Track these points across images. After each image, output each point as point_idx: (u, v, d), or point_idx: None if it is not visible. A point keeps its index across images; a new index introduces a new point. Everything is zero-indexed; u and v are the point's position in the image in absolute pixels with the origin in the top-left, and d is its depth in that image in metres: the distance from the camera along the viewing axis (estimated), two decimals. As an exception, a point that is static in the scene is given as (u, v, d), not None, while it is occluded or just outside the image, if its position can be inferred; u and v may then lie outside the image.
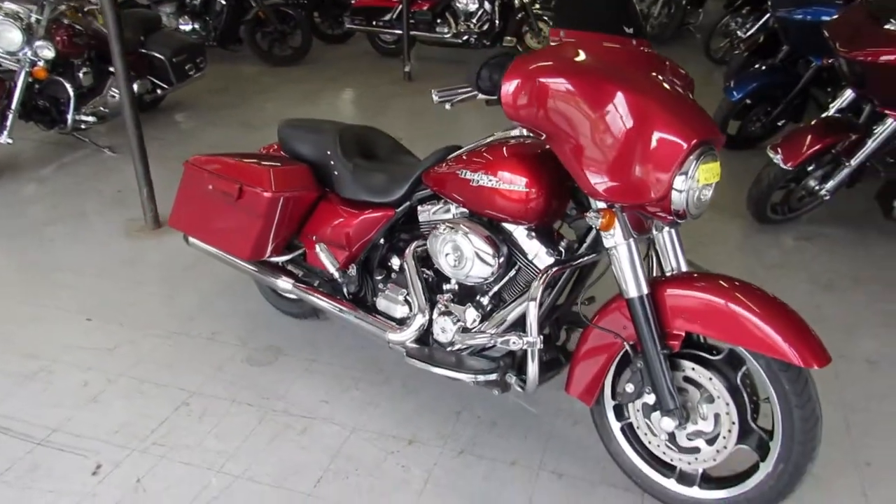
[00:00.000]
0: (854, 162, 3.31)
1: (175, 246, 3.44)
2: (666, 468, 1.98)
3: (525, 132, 2.00)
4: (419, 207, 2.26)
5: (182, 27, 7.08)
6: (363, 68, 7.29)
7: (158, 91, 5.33)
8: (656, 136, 1.64)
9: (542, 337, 1.86)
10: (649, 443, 1.95)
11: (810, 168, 3.43)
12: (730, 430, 1.78)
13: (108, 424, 2.29)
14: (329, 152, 2.42)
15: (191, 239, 2.81)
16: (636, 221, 1.85)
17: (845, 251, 3.42)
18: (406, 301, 2.32)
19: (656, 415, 1.89)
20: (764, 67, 4.54)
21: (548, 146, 1.83)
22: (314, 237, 2.48)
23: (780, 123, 4.62)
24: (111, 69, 4.89)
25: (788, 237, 3.58)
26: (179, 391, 2.46)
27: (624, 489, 2.05)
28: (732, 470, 1.89)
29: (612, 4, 1.87)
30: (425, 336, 2.24)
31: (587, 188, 1.72)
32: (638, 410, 1.94)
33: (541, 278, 1.87)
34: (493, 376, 2.03)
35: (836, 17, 3.36)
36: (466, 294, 2.19)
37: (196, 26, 7.19)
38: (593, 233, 1.96)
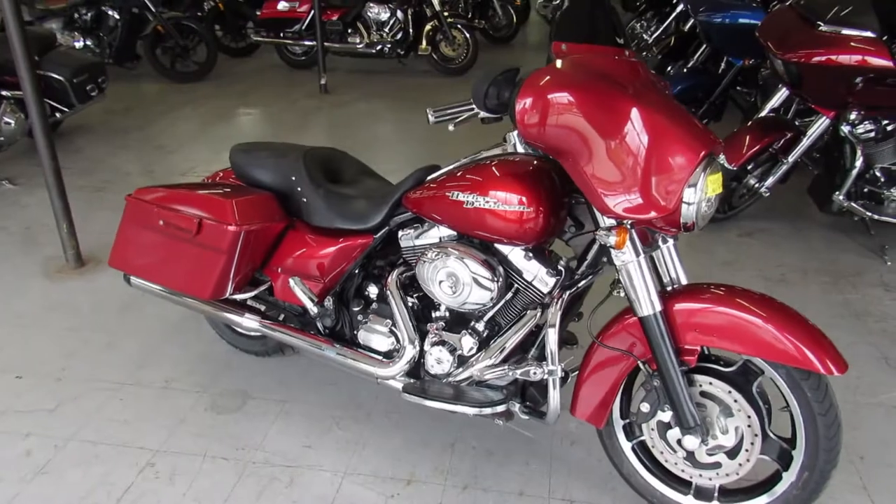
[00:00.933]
0: (791, 159, 3.45)
1: (106, 285, 3.14)
2: (682, 484, 1.94)
3: (513, 149, 1.92)
4: (400, 232, 2.13)
5: (73, 44, 6.57)
6: (275, 82, 7.02)
7: (57, 115, 4.89)
8: (668, 149, 1.59)
9: (562, 365, 1.78)
10: (666, 461, 1.91)
11: (749, 167, 3.55)
12: (752, 443, 1.76)
13: (63, 499, 2.02)
14: (294, 178, 2.24)
15: (134, 279, 2.55)
16: (642, 236, 1.81)
17: (789, 245, 3.55)
18: (391, 332, 2.18)
19: (673, 432, 1.85)
20: (686, 70, 4.69)
21: (535, 163, 1.77)
22: (281, 270, 2.30)
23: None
24: (3, 93, 4.46)
25: (732, 234, 3.69)
26: (141, 451, 2.21)
27: (640, 509, 2.00)
28: (746, 481, 1.87)
29: (605, 16, 1.82)
30: (415, 368, 2.12)
31: (601, 205, 1.65)
32: (652, 429, 1.89)
33: (557, 303, 1.79)
34: (501, 408, 1.93)
35: (766, 19, 3.49)
36: (458, 321, 2.08)
37: (88, 43, 6.70)
38: (593, 250, 1.90)
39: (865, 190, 3.37)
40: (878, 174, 3.36)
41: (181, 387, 2.51)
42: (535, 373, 1.82)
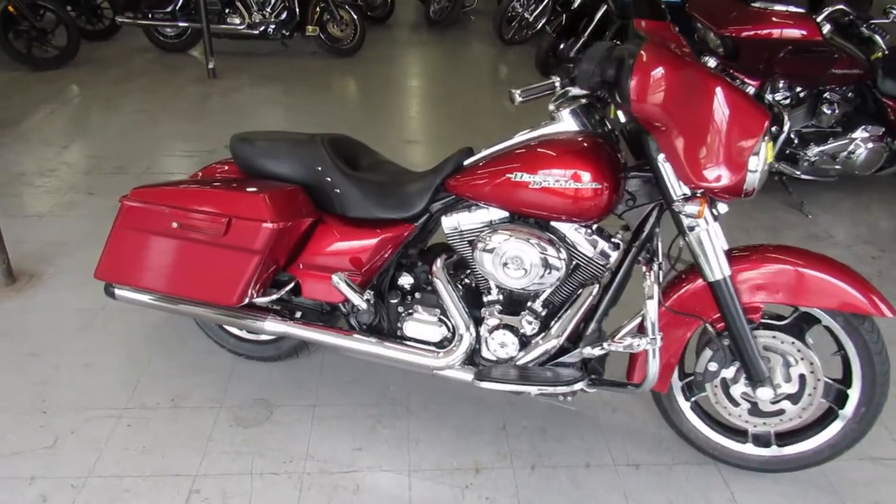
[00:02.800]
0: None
1: (50, 301, 2.80)
2: (739, 434, 2.07)
3: (555, 129, 1.93)
4: (443, 218, 2.07)
5: None
6: (151, 68, 6.45)
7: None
8: (741, 122, 1.68)
9: (660, 334, 1.83)
10: (729, 415, 2.03)
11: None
12: (815, 387, 1.92)
13: (110, 543, 1.80)
14: (321, 168, 2.11)
15: (119, 291, 2.29)
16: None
17: (723, 207, 3.85)
18: (441, 321, 2.12)
19: (736, 387, 1.97)
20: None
21: (594, 140, 1.83)
22: (310, 267, 2.16)
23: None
24: None
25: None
26: (178, 478, 2.00)
27: (698, 464, 2.11)
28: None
29: None
30: (470, 355, 2.09)
31: (685, 176, 1.71)
32: (716, 386, 2.00)
33: (651, 275, 1.83)
34: (581, 384, 1.96)
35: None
36: (513, 304, 2.07)
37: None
38: (650, 221, 1.96)
39: (787, 152, 3.73)
40: (792, 136, 3.72)
41: (192, 404, 2.29)
42: (637, 345, 1.85)
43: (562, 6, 6.24)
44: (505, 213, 1.99)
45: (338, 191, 2.10)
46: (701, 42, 3.71)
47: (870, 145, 3.62)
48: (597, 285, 1.99)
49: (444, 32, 8.36)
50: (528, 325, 2.02)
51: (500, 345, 2.03)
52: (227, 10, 6.69)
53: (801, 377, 1.93)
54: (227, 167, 2.29)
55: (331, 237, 2.13)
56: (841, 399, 1.95)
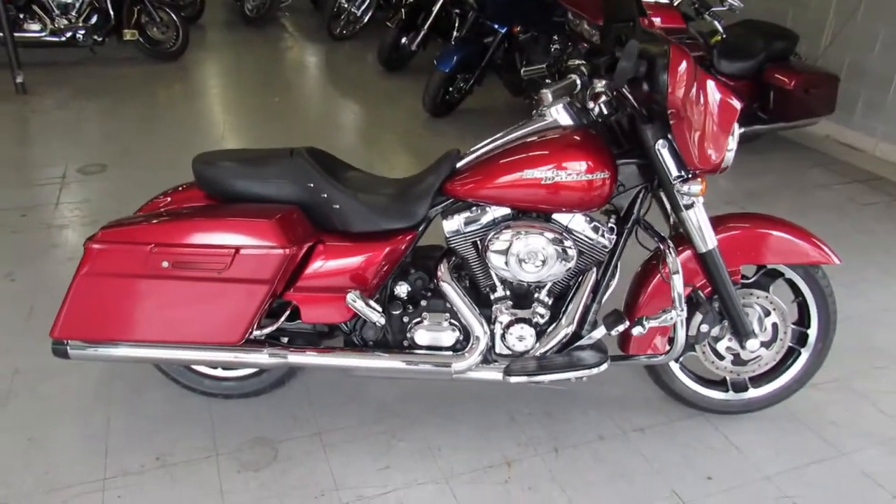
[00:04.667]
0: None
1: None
2: (720, 385, 2.33)
3: (548, 125, 2.03)
4: (444, 222, 2.08)
5: None
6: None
7: None
8: (725, 108, 1.89)
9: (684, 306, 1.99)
10: (716, 368, 2.26)
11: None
12: (785, 332, 2.21)
13: None
14: (313, 184, 2.00)
15: (76, 349, 2.01)
16: None
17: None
18: (451, 325, 2.13)
19: (722, 343, 2.21)
20: (458, 40, 5.03)
21: (590, 133, 1.97)
22: (310, 290, 2.04)
23: (467, 87, 5.18)
24: None
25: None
26: (208, 541, 1.82)
27: (689, 418, 2.33)
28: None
29: None
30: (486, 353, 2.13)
31: (690, 160, 1.89)
32: (705, 345, 2.23)
33: (672, 252, 1.98)
34: (606, 364, 2.08)
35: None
36: (521, 297, 2.14)
37: None
38: (638, 204, 2.12)
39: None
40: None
41: (182, 458, 2.08)
42: (671, 318, 1.99)
43: (400, 1, 6.30)
44: (507, 211, 2.04)
45: (337, 206, 2.01)
46: (572, 32, 3.99)
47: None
48: (594, 269, 2.11)
49: (264, 31, 8.04)
50: (541, 317, 2.10)
51: (519, 339, 2.09)
52: (22, 16, 5.89)
53: (774, 325, 2.21)
54: (183, 194, 2.07)
55: (333, 256, 2.03)
56: (802, 339, 2.26)
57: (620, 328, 2.06)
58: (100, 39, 6.12)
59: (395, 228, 2.05)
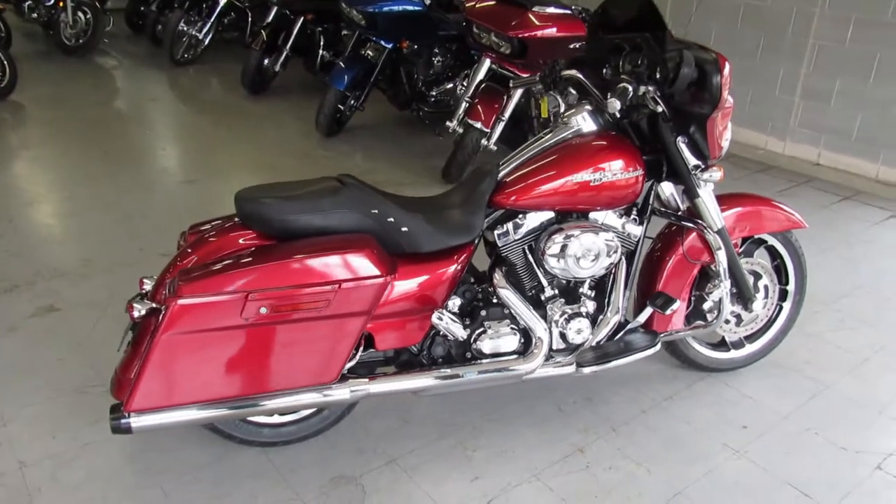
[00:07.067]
0: (505, 116, 4.25)
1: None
2: (722, 346, 2.63)
3: (576, 130, 2.21)
4: (495, 232, 2.17)
5: None
6: None
7: None
8: (727, 107, 2.18)
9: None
10: (724, 332, 2.57)
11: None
12: (774, 291, 2.57)
13: None
14: (377, 210, 1.98)
15: (139, 420, 1.83)
16: None
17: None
18: (511, 329, 2.21)
19: (727, 307, 2.51)
20: (348, 59, 5.02)
21: (616, 135, 2.20)
22: (386, 317, 2.02)
23: (357, 104, 5.20)
24: None
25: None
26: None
27: (701, 380, 2.62)
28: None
29: None
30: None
31: (715, 151, 2.16)
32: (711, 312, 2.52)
33: (709, 232, 2.21)
34: (659, 344, 2.28)
35: (470, 6, 4.14)
36: (568, 294, 2.28)
37: None
38: (653, 195, 2.35)
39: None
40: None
41: (271, 514, 1.96)
42: (719, 291, 2.23)
43: (258, 24, 6.12)
44: (550, 214, 2.18)
45: (405, 229, 2.01)
46: (477, 43, 4.17)
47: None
48: (624, 259, 2.31)
49: (91, 61, 7.35)
50: (593, 308, 2.26)
51: (577, 332, 2.22)
52: None
53: (765, 287, 2.56)
54: (226, 237, 1.93)
55: (408, 278, 2.02)
56: (783, 295, 2.64)
57: (675, 307, 2.28)
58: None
59: (457, 245, 2.10)
